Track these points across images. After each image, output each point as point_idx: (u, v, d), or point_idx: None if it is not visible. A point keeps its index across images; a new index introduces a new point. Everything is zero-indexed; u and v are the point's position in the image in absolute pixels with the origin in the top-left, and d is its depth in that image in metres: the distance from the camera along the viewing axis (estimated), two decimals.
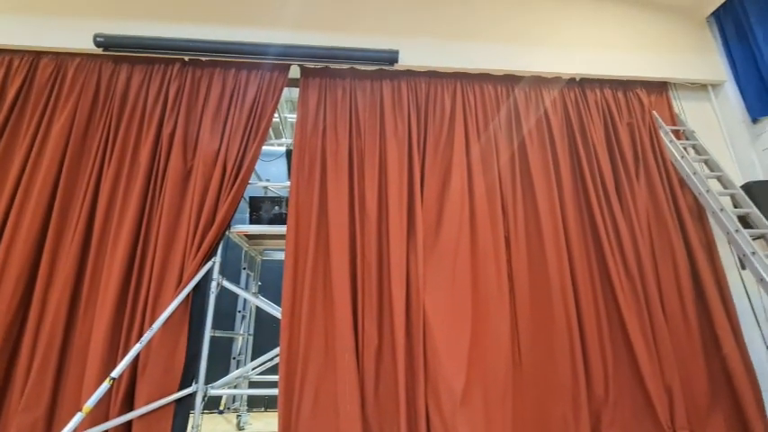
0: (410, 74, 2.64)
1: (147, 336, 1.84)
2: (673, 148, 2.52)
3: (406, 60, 2.57)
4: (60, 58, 2.50)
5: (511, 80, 2.68)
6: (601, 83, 2.71)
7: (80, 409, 1.76)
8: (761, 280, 2.04)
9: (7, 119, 2.33)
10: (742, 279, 2.33)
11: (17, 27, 2.48)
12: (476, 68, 2.65)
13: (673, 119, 2.69)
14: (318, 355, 2.04)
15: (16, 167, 2.23)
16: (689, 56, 2.84)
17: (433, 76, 2.65)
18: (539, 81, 2.69)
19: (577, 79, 2.71)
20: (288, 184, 3.32)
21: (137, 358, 1.90)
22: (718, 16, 2.90)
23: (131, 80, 2.49)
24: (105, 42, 2.41)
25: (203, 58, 2.56)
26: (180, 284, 2.07)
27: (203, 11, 2.63)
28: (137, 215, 2.20)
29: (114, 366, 1.92)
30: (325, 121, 2.50)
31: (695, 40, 2.90)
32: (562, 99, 2.64)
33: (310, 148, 2.43)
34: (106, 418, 1.88)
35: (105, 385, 1.68)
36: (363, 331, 2.07)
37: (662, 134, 2.57)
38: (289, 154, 3.86)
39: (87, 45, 2.43)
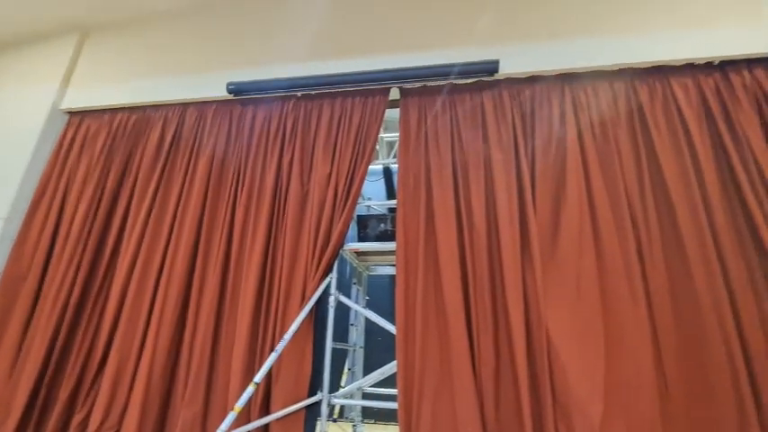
0: (511, 81, 2.56)
1: (280, 345, 2.03)
2: None
3: (507, 68, 2.50)
4: (201, 106, 2.98)
5: (629, 74, 2.42)
6: (748, 64, 2.29)
7: (228, 408, 2.01)
8: None
9: (166, 161, 2.84)
10: None
11: (171, 85, 3.04)
12: (583, 66, 2.46)
13: None
14: (434, 371, 2.03)
15: (173, 202, 2.69)
16: None
17: (537, 80, 2.53)
18: (664, 70, 2.38)
19: (716, 63, 2.34)
20: (389, 202, 3.45)
21: (270, 367, 2.11)
22: None
23: (256, 118, 2.85)
24: (235, 89, 2.81)
25: (313, 92, 2.82)
26: (303, 299, 2.26)
27: (309, 50, 2.90)
28: (265, 237, 2.47)
29: (253, 372, 2.16)
30: (426, 137, 2.54)
31: None
32: (698, 88, 2.29)
33: (414, 165, 2.49)
34: (248, 419, 2.11)
35: (250, 389, 1.89)
36: (480, 350, 2.01)
37: None
38: (387, 172, 4.02)
39: (221, 93, 2.85)
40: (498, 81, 2.57)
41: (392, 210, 2.74)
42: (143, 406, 2.17)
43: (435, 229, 2.27)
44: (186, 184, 2.74)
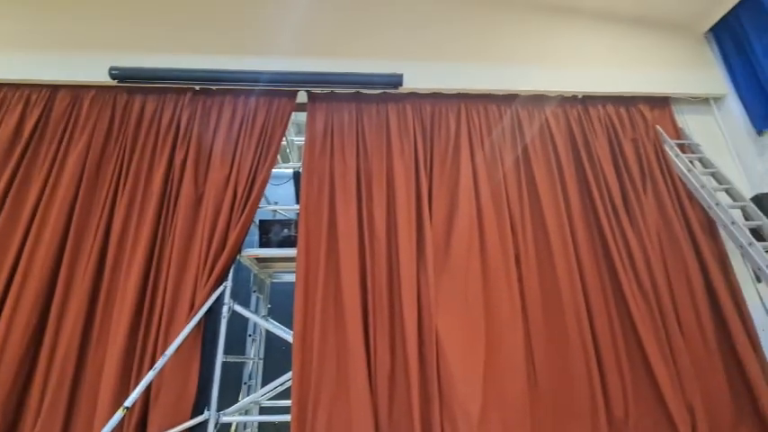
0: (415, 96, 2.70)
1: (159, 363, 1.84)
2: (679, 162, 2.52)
3: (410, 83, 2.63)
4: (76, 90, 2.59)
5: (514, 99, 2.73)
6: (603, 99, 2.75)
7: None
8: None
9: (24, 151, 2.40)
10: (758, 292, 2.29)
11: (35, 63, 2.59)
12: (478, 89, 2.70)
13: (677, 133, 2.70)
14: (331, 378, 2.02)
15: (32, 198, 2.28)
16: (689, 71, 2.88)
17: (437, 97, 2.71)
18: (541, 99, 2.73)
19: (580, 96, 2.75)
20: (296, 206, 3.37)
21: (149, 386, 1.90)
22: (715, 32, 2.95)
23: (145, 110, 2.57)
24: (120, 75, 2.50)
25: (213, 87, 2.64)
26: (192, 310, 2.08)
27: (212, 42, 2.72)
28: (149, 242, 2.23)
29: (127, 395, 1.91)
30: (332, 144, 2.54)
31: (694, 56, 2.95)
32: (565, 117, 2.67)
33: (318, 170, 2.47)
34: None
35: (119, 414, 1.67)
36: (376, 354, 2.05)
37: (667, 148, 2.59)
38: (296, 176, 3.92)
39: (102, 78, 2.52)
40: (403, 95, 2.69)
41: (288, 220, 2.68)
42: None
43: (337, 236, 2.28)
44: (52, 179, 2.34)
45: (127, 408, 1.70)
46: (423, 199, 2.35)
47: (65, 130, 2.48)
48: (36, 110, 2.51)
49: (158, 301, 2.13)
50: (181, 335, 1.94)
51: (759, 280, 2.34)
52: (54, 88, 2.58)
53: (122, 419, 1.72)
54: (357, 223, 2.32)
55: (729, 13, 2.78)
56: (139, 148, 2.45)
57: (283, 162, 3.79)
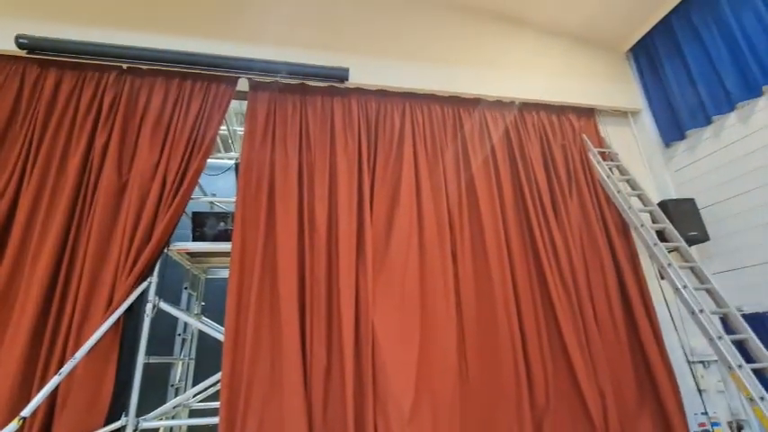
0: (361, 92, 2.69)
1: (67, 367, 1.67)
2: (600, 168, 2.76)
3: (357, 78, 2.62)
4: None
5: (457, 102, 2.81)
6: (537, 107, 2.92)
7: None
8: (677, 289, 2.26)
9: None
10: (661, 288, 2.57)
11: None
12: (423, 89, 2.76)
13: (600, 141, 2.95)
14: (264, 378, 1.95)
15: None
16: (612, 85, 3.15)
17: (383, 95, 2.72)
18: (482, 103, 2.84)
19: (516, 103, 2.90)
20: (229, 199, 3.22)
21: (55, 393, 1.71)
22: (635, 51, 3.26)
23: (60, 87, 2.31)
24: (29, 44, 2.23)
25: (143, 67, 2.44)
26: (110, 307, 1.91)
27: (143, 16, 2.51)
28: (62, 231, 2.01)
29: (28, 399, 1.71)
30: (274, 135, 2.46)
31: (617, 72, 3.23)
32: (503, 120, 2.81)
33: (258, 162, 2.37)
34: None
35: (13, 426, 1.49)
36: (312, 352, 2.02)
37: (590, 155, 2.81)
38: (237, 168, 3.75)
39: (8, 46, 2.22)
40: (349, 90, 2.67)
41: (224, 213, 2.56)
42: None
43: (276, 230, 2.21)
44: None
45: (24, 418, 1.52)
46: (364, 195, 2.35)
47: None
48: None
49: (70, 297, 1.93)
50: (95, 334, 1.78)
51: (662, 277, 2.61)
52: None
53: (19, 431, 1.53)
54: (297, 218, 2.26)
55: (647, 34, 3.08)
56: (52, 129, 2.20)
57: (225, 152, 3.61)
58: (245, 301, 2.06)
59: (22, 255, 1.97)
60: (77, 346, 1.81)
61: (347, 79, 2.57)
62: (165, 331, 2.77)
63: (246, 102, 2.55)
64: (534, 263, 2.44)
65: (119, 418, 1.82)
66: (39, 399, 1.56)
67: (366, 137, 2.55)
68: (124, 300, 1.92)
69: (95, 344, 1.78)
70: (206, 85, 2.48)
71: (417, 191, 2.44)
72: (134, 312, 1.98)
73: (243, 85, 2.57)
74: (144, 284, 2.01)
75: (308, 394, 1.93)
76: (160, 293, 2.09)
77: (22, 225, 2.00)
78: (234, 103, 2.63)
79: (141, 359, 1.92)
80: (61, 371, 1.65)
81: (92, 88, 2.34)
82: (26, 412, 1.52)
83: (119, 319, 1.90)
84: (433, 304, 2.16)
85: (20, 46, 2.22)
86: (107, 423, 1.77)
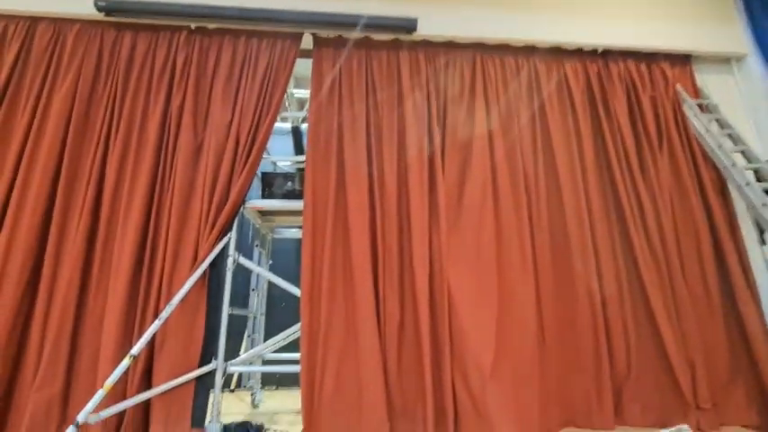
0: (428, 44, 2.54)
1: (165, 312, 1.78)
2: (696, 122, 2.46)
3: (424, 30, 2.46)
4: (59, 23, 2.36)
5: (531, 51, 2.59)
6: (624, 55, 2.62)
7: (97, 387, 1.72)
8: None
9: (5, 90, 2.20)
10: (764, 255, 2.31)
11: None
12: (495, 39, 2.55)
13: (696, 92, 2.62)
14: (339, 332, 2.00)
15: (16, 143, 2.12)
16: (712, 28, 2.75)
17: (451, 47, 2.55)
18: (560, 53, 2.60)
19: (599, 51, 2.62)
20: (299, 158, 3.23)
21: (153, 336, 1.85)
22: None
23: (136, 49, 2.36)
24: (106, 7, 2.28)
25: (210, 26, 2.44)
26: (195, 262, 2.00)
27: None
28: (147, 191, 2.11)
29: (130, 346, 1.87)
30: (340, 93, 2.40)
31: (718, 12, 2.81)
32: (584, 71, 2.56)
33: (326, 121, 2.34)
34: (124, 397, 1.84)
35: (125, 362, 1.63)
36: (385, 308, 2.03)
37: (685, 108, 2.51)
38: (294, 131, 3.76)
39: (88, 10, 2.29)
40: (416, 43, 2.53)
41: (300, 170, 2.56)
42: None
43: (346, 189, 2.19)
44: (36, 121, 2.17)
45: (133, 356, 1.65)
46: (435, 152, 2.26)
47: (48, 69, 2.27)
48: (13, 44, 2.29)
49: (159, 253, 2.05)
50: (185, 285, 1.88)
51: (764, 242, 2.35)
52: (33, 20, 2.34)
53: (127, 369, 1.68)
54: (367, 175, 2.23)
55: None
56: (132, 92, 2.27)
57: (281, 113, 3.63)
58: (319, 258, 2.09)
59: (113, 214, 2.08)
60: (169, 298, 1.93)
61: (415, 30, 2.43)
62: (236, 287, 2.91)
63: (311, 60, 2.49)
64: (618, 226, 2.27)
65: (209, 362, 1.95)
66: (144, 339, 1.69)
67: (435, 91, 2.42)
68: (208, 254, 2.00)
69: (186, 295, 1.89)
70: (271, 43, 2.44)
71: (490, 147, 2.31)
72: (217, 267, 2.07)
73: (307, 42, 2.51)
74: (224, 240, 2.09)
75: (382, 349, 1.96)
76: (238, 249, 2.16)
77: (113, 186, 2.11)
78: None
79: (226, 310, 2.02)
80: (161, 315, 1.77)
81: (164, 49, 2.37)
82: (135, 351, 1.65)
83: (204, 272, 1.99)
84: (509, 264, 2.08)
85: (99, 8, 2.28)
86: (199, 366, 1.90)
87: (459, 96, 2.42)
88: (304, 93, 3.39)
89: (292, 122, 3.55)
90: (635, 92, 2.53)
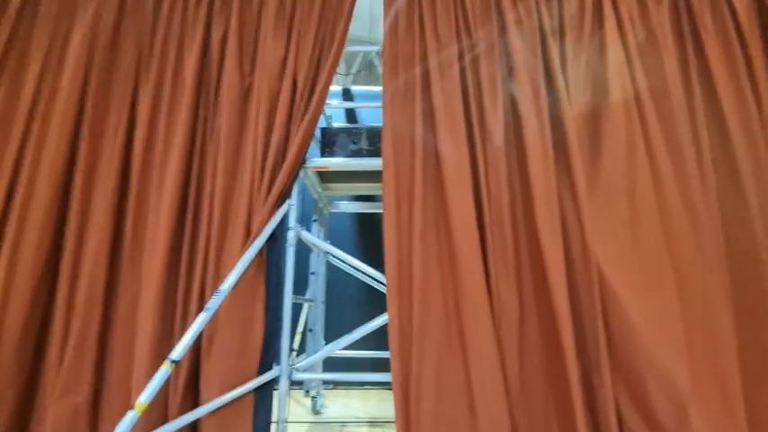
0: None
1: (215, 301, 1.32)
2: None
3: None
4: None
5: None
6: None
7: (132, 397, 1.30)
8: None
9: (15, 29, 1.79)
10: None
11: None
12: None
13: None
14: (438, 327, 1.49)
15: (27, 95, 1.71)
16: None
17: None
18: None
19: None
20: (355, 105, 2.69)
21: (198, 339, 1.40)
22: None
23: None
24: None
25: None
26: (249, 236, 1.54)
27: None
28: (185, 148, 1.66)
29: (170, 343, 1.44)
30: (422, 19, 1.85)
31: None
32: None
33: (404, 56, 1.80)
34: (165, 410, 1.41)
35: (165, 370, 1.18)
36: (499, 299, 1.50)
37: None
38: (346, 95, 3.25)
39: None
40: None
41: (368, 128, 2.05)
42: None
43: (437, 141, 1.65)
44: (53, 66, 1.76)
45: (174, 361, 1.20)
46: (556, 84, 1.67)
47: (62, 3, 1.85)
48: None
49: (203, 226, 1.60)
50: (239, 265, 1.41)
51: None
52: None
53: (166, 378, 1.23)
54: (465, 126, 1.68)
55: None
56: (163, 25, 1.81)
57: None
58: (406, 234, 1.57)
59: (146, 176, 1.66)
60: (217, 280, 1.48)
61: None
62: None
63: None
64: None
65: (270, 368, 1.49)
66: (189, 338, 1.24)
67: (548, 12, 1.82)
68: (265, 225, 1.53)
69: (239, 280, 1.42)
70: None
71: (631, 77, 1.70)
72: (275, 242, 1.59)
73: None
74: (284, 207, 1.61)
75: (500, 349, 1.44)
76: (300, 221, 1.68)
77: (144, 142, 1.67)
78: None
79: (289, 298, 1.55)
80: (208, 306, 1.32)
81: None
82: (176, 355, 1.20)
83: (261, 249, 1.52)
84: (681, 237, 1.47)
85: None
86: (259, 372, 1.44)
87: (579, 12, 1.81)
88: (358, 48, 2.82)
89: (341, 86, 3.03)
90: None
